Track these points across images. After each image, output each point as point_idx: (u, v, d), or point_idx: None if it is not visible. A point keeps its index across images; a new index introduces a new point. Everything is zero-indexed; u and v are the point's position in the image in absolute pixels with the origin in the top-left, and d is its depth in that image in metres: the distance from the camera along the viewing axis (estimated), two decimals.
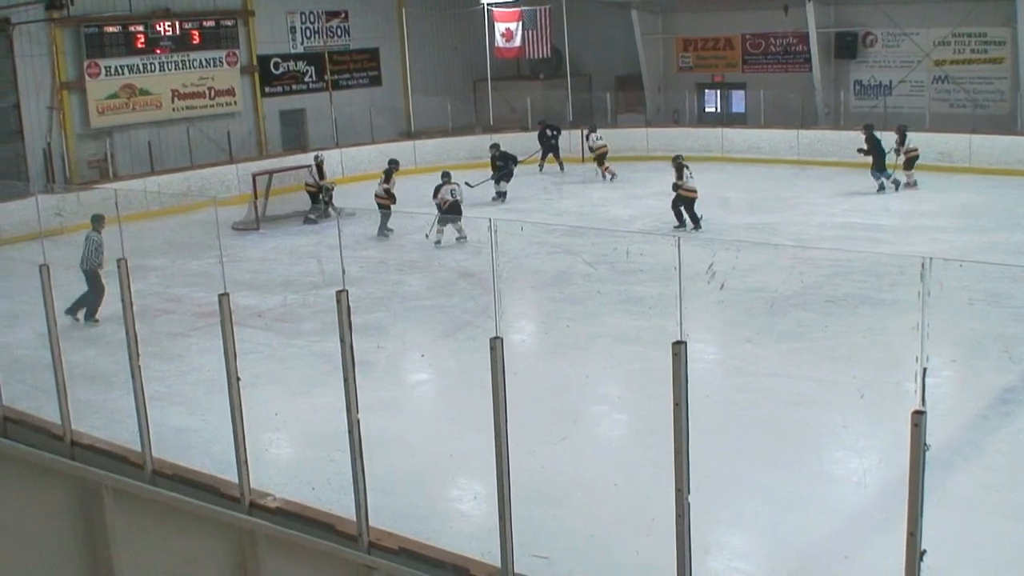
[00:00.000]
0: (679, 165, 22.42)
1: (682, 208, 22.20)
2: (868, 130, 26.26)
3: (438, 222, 21.66)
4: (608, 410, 12.88)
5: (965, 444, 11.02)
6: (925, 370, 5.34)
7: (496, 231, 7.08)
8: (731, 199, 25.72)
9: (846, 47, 32.86)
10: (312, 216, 24.96)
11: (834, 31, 33.00)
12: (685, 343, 5.93)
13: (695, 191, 22.20)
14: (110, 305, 16.19)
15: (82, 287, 16.99)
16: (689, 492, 6.01)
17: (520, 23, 34.24)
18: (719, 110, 36.23)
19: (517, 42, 34.52)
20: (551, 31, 34.03)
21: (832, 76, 33.26)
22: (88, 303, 17.11)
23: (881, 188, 25.64)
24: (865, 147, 25.83)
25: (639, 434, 11.81)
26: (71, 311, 16.86)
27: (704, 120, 35.60)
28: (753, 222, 22.96)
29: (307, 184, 25.62)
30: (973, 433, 11.39)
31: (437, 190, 22.72)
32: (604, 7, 36.01)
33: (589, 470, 10.84)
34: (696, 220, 22.15)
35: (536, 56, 35.02)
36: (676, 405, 5.96)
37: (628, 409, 12.73)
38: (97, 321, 16.97)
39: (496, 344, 6.59)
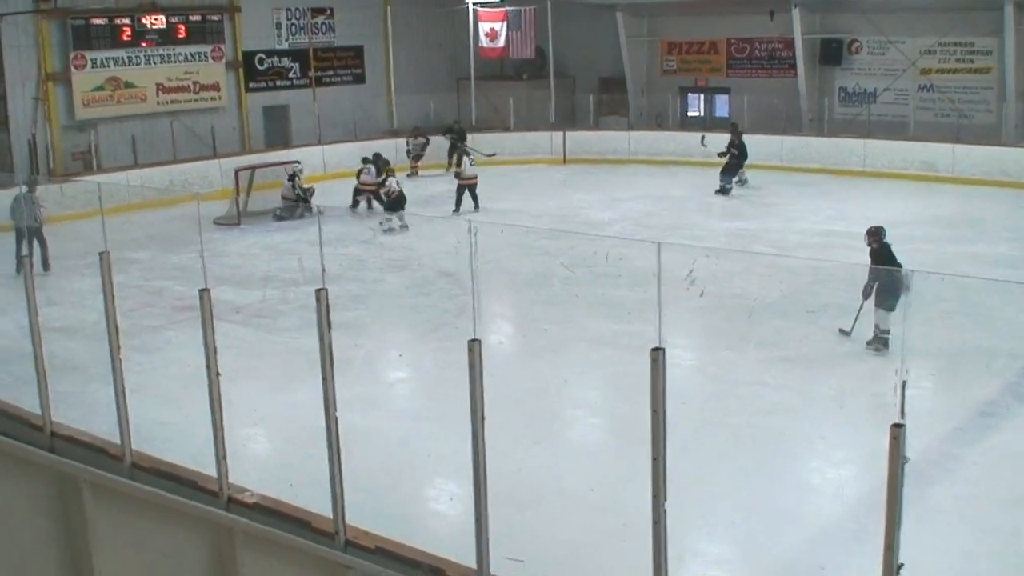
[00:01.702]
0: (460, 153, 26.54)
1: (464, 193, 25.01)
2: (737, 130, 27.69)
3: (384, 212, 23.83)
4: (585, 414, 12.90)
5: (944, 456, 11.04)
6: (904, 382, 5.38)
7: (476, 233, 7.10)
8: (713, 204, 25.80)
9: (831, 54, 32.92)
10: (281, 212, 24.98)
11: (820, 37, 33.06)
12: (663, 349, 5.95)
13: (474, 178, 25.36)
14: (93, 297, 16.14)
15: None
16: (665, 499, 6.03)
17: (505, 23, 34.23)
18: (702, 114, 36.21)
19: (501, 42, 34.49)
20: (536, 32, 34.03)
21: (817, 82, 33.32)
22: (42, 255, 19.54)
23: (723, 191, 26.89)
24: (727, 148, 27.23)
25: (615, 439, 11.82)
26: (46, 266, 19.55)
27: (687, 124, 35.51)
28: (734, 228, 23.03)
29: (284, 196, 25.47)
30: (952, 445, 11.39)
31: (383, 181, 24.68)
32: (589, 9, 35.99)
33: (565, 474, 10.86)
34: (475, 201, 25.10)
35: (520, 56, 35.03)
36: (654, 411, 5.98)
37: (605, 414, 12.77)
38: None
39: (474, 347, 6.60)
